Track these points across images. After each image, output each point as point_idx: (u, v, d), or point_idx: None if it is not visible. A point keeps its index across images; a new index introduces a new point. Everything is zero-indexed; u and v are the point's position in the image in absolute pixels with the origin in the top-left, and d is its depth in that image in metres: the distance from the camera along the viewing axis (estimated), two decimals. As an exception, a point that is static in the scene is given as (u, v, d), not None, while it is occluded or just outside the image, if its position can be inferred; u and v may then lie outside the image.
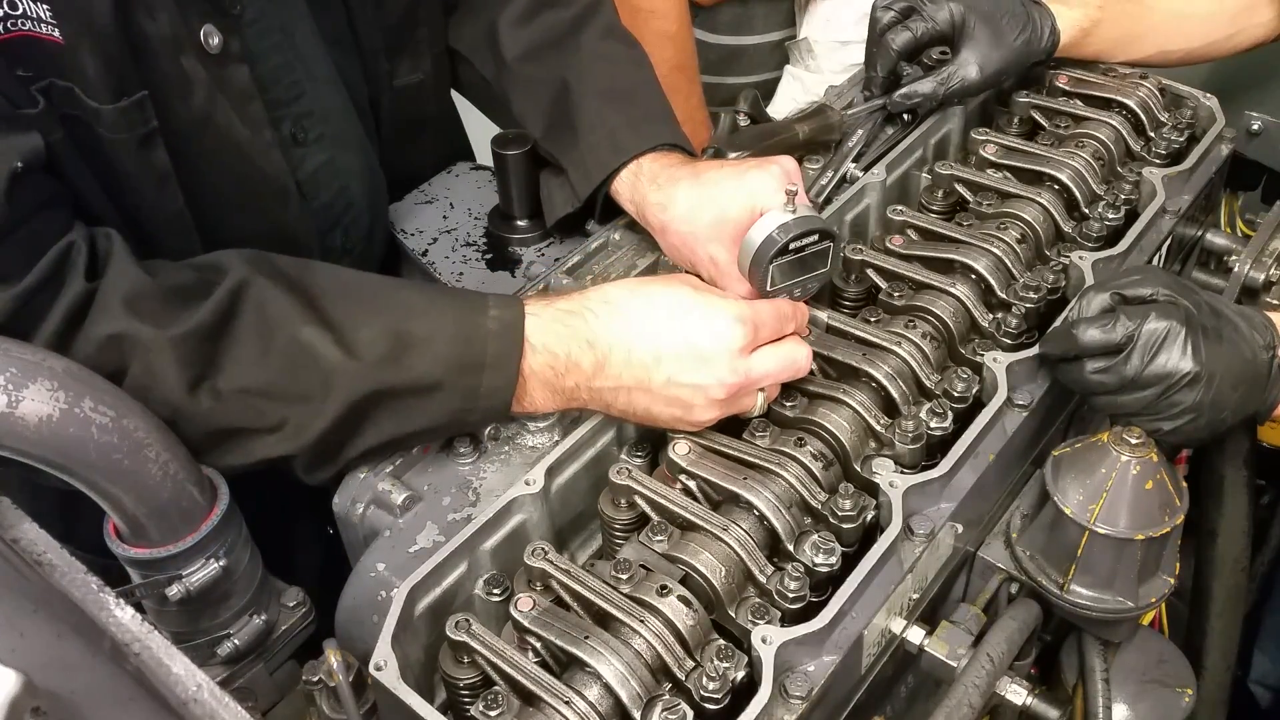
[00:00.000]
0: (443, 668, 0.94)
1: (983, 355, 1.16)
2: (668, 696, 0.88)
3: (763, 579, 0.97)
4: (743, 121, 1.56)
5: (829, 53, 2.28)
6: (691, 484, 1.05)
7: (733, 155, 1.40)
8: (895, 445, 1.08)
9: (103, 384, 0.93)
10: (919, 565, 1.01)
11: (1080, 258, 1.27)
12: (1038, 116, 1.54)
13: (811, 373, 1.16)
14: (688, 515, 1.00)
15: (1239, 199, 1.68)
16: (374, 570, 1.01)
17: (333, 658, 0.91)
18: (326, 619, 1.06)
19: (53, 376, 0.88)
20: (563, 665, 0.93)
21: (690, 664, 0.91)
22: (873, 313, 1.22)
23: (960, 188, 1.41)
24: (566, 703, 0.86)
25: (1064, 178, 1.39)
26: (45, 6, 0.96)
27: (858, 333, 1.17)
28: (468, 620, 0.92)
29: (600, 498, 1.05)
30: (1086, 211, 1.37)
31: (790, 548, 1.00)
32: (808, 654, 0.93)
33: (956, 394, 1.13)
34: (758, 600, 0.97)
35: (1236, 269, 1.44)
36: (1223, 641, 1.49)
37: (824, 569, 0.98)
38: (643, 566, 0.96)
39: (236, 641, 1.02)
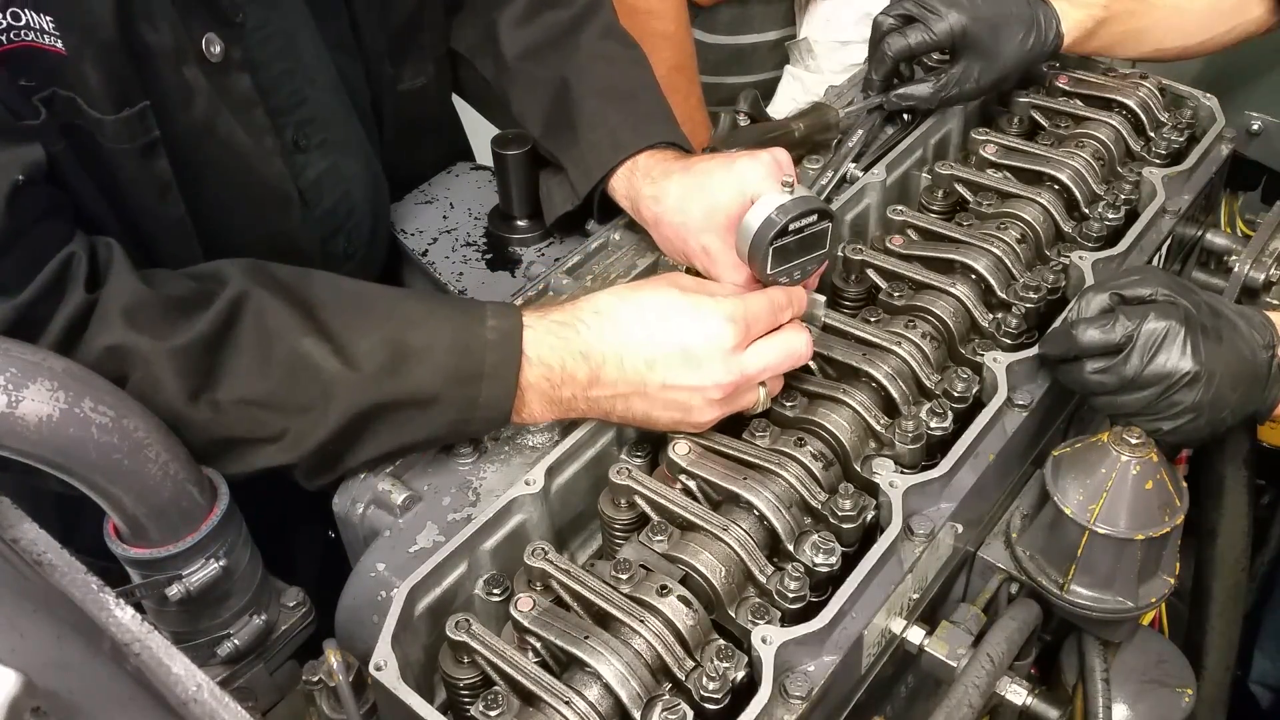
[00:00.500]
0: (443, 668, 0.94)
1: (983, 355, 1.16)
2: (668, 696, 0.88)
3: (763, 579, 0.97)
4: (742, 121, 1.55)
5: (829, 53, 2.28)
6: (691, 484, 1.05)
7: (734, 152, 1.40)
8: (895, 445, 1.08)
9: (103, 384, 0.93)
10: (919, 565, 1.01)
11: (1080, 258, 1.27)
12: (1038, 116, 1.54)
13: (811, 373, 1.16)
14: (688, 515, 1.00)
15: (1239, 199, 1.68)
16: (374, 570, 1.01)
17: (333, 658, 0.91)
18: (326, 619, 1.06)
19: (53, 376, 0.88)
20: (563, 665, 0.93)
21: (690, 664, 0.91)
22: (873, 313, 1.22)
23: (960, 188, 1.41)
24: (566, 703, 0.86)
25: (1064, 178, 1.39)
26: (48, 18, 0.96)
27: (858, 333, 1.17)
28: (468, 620, 0.92)
29: (600, 498, 1.05)
30: (1086, 211, 1.37)
31: (790, 548, 1.00)
32: (808, 654, 0.93)
33: (956, 394, 1.13)
34: (758, 600, 0.97)
35: (1236, 269, 1.44)
36: (1223, 641, 1.49)
37: (824, 569, 0.98)
38: (643, 566, 0.96)
39: (236, 641, 1.02)
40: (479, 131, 1.63)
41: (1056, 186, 1.39)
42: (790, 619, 0.96)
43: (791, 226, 1.06)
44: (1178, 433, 1.09)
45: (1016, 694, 1.06)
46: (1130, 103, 1.51)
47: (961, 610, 1.08)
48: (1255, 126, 1.60)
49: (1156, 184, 1.39)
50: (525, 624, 0.92)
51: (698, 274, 1.23)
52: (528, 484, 1.02)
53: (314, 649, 0.97)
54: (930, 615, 1.09)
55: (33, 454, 0.88)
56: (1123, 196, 1.38)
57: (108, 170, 1.07)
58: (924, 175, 1.50)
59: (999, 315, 1.22)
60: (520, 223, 1.49)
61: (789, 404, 1.11)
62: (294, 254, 1.14)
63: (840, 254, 1.28)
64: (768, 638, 0.89)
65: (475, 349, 1.03)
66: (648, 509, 1.02)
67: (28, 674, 0.57)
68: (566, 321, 1.06)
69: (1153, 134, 1.51)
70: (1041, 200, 1.35)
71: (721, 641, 0.93)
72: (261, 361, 1.01)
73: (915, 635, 1.04)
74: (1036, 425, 1.17)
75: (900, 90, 1.47)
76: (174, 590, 0.97)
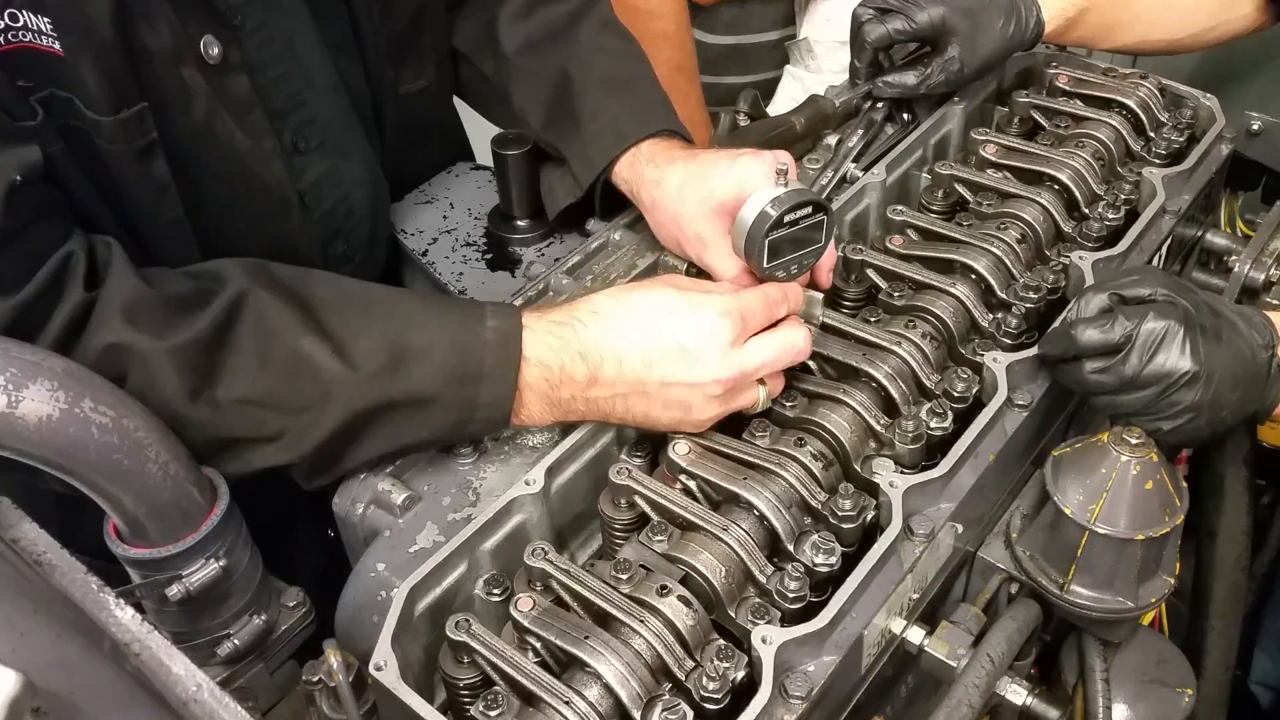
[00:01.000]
0: (443, 668, 0.94)
1: (983, 355, 1.16)
2: (668, 696, 0.88)
3: (763, 579, 0.97)
4: (742, 121, 1.56)
5: (829, 53, 2.28)
6: (691, 484, 1.05)
7: None
8: (895, 445, 1.08)
9: (102, 384, 0.93)
10: (919, 565, 1.01)
11: (1080, 258, 1.27)
12: (1038, 116, 1.54)
13: (811, 372, 1.16)
14: (688, 515, 1.00)
15: (1239, 199, 1.68)
16: (374, 570, 1.01)
17: (333, 658, 0.91)
18: (326, 619, 1.06)
19: (52, 377, 0.88)
20: (563, 665, 0.93)
21: (690, 664, 0.91)
22: (873, 313, 1.22)
23: (960, 188, 1.41)
24: (566, 703, 0.86)
25: (1064, 178, 1.39)
26: (46, 19, 0.96)
27: (857, 333, 1.17)
28: (468, 620, 0.92)
29: (600, 498, 1.05)
30: (1086, 211, 1.37)
31: (790, 548, 1.00)
32: (808, 654, 0.93)
33: (956, 394, 1.13)
34: (758, 600, 0.97)
35: (1236, 269, 1.44)
36: (1223, 641, 1.49)
37: (824, 569, 0.98)
38: (643, 566, 0.96)
39: (236, 641, 1.02)
40: (480, 133, 1.63)
41: (1056, 186, 1.39)
42: (790, 619, 0.96)
43: (786, 219, 1.06)
44: (1178, 433, 1.09)
45: (1016, 694, 1.06)
46: (1130, 103, 1.51)
47: (961, 610, 1.08)
48: (1255, 126, 1.60)
49: (1156, 184, 1.39)
50: (525, 624, 0.92)
51: (695, 272, 1.24)
52: (528, 484, 1.02)
53: (314, 649, 0.97)
54: (930, 615, 1.09)
55: (33, 454, 0.88)
56: (1123, 196, 1.38)
57: (105, 171, 1.07)
58: (924, 175, 1.50)
59: (999, 315, 1.22)
60: (520, 223, 1.49)
61: (789, 404, 1.11)
62: (293, 256, 1.14)
63: (840, 254, 1.28)
64: (768, 638, 0.89)
65: (475, 350, 1.03)
66: (648, 509, 1.02)
67: (28, 674, 0.57)
68: (564, 322, 1.06)
69: (1153, 134, 1.51)
70: (1041, 200, 1.35)
71: (721, 641, 0.93)
72: (261, 361, 1.01)
73: (915, 635, 1.04)
74: (1036, 425, 1.17)
75: (887, 77, 1.48)
76: (174, 590, 0.97)
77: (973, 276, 1.25)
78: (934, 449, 1.10)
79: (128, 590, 0.96)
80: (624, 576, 0.94)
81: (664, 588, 0.93)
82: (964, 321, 1.22)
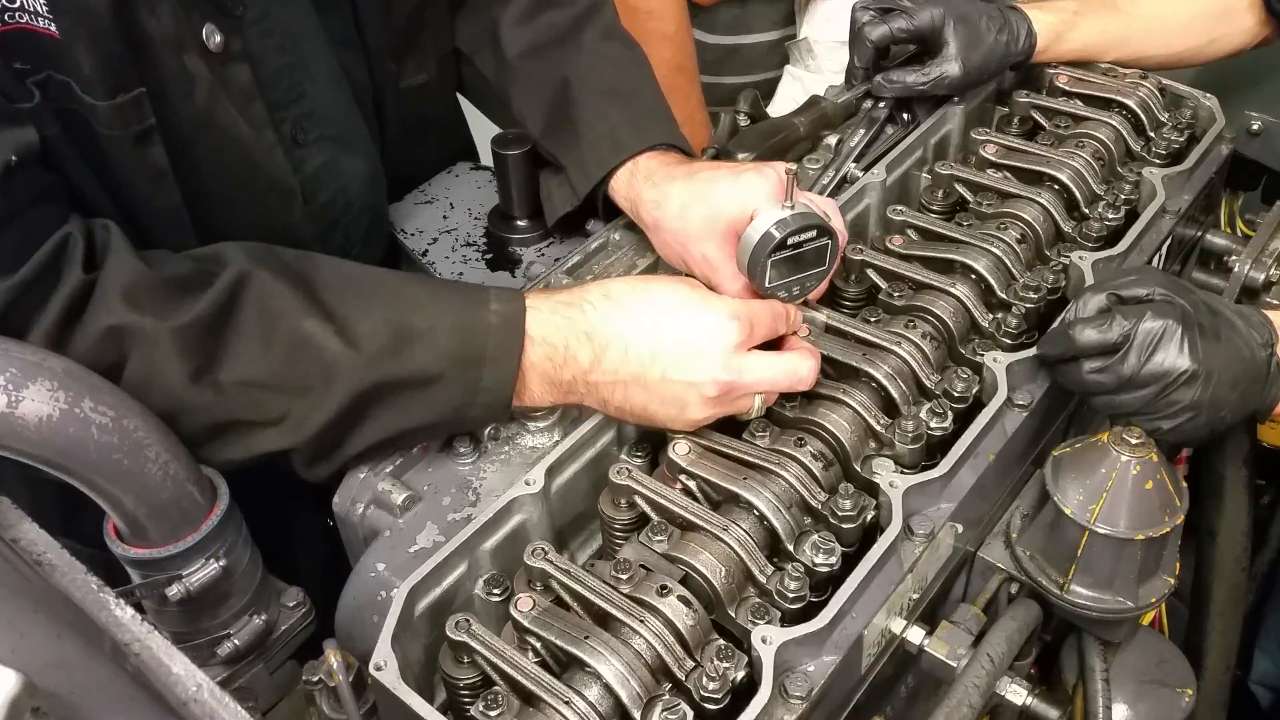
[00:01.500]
0: (443, 668, 0.94)
1: (983, 355, 1.16)
2: (668, 696, 0.88)
3: (763, 579, 0.97)
4: (743, 121, 1.56)
5: (829, 53, 2.28)
6: (691, 484, 1.04)
7: (741, 156, 1.40)
8: (895, 445, 1.08)
9: (102, 384, 0.93)
10: (919, 565, 1.01)
11: (1080, 258, 1.27)
12: (1038, 116, 1.54)
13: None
14: (688, 515, 1.00)
15: (1239, 199, 1.68)
16: (374, 570, 1.01)
17: (333, 658, 0.91)
18: (329, 614, 1.06)
19: (52, 376, 0.88)
20: (563, 665, 0.93)
21: (690, 664, 0.91)
22: (873, 313, 1.22)
23: (960, 188, 1.41)
24: (566, 703, 0.86)
25: (1064, 178, 1.39)
26: (42, 1, 0.96)
27: (858, 333, 1.17)
28: (468, 620, 0.92)
29: (600, 498, 1.05)
30: (1086, 211, 1.37)
31: (790, 548, 1.00)
32: (808, 654, 0.93)
33: (956, 394, 1.13)
34: (758, 600, 0.97)
35: (1236, 269, 1.44)
36: (1223, 641, 1.49)
37: (824, 569, 0.98)
38: (643, 566, 0.96)
39: (236, 641, 1.02)
40: (483, 133, 1.63)
41: (1056, 186, 1.39)
42: (790, 619, 0.96)
43: (790, 241, 1.06)
44: (1177, 432, 1.09)
45: (1016, 694, 1.06)
46: (1130, 103, 1.51)
47: (961, 610, 1.08)
48: (1255, 126, 1.60)
49: (1156, 184, 1.39)
50: (525, 624, 0.92)
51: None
52: (528, 484, 1.02)
53: (314, 649, 0.97)
54: (930, 615, 1.09)
55: (33, 454, 0.88)
56: (1123, 196, 1.38)
57: (102, 156, 1.07)
58: (924, 175, 1.50)
59: (999, 315, 1.22)
60: (520, 223, 1.49)
61: (789, 404, 1.11)
62: (292, 247, 1.13)
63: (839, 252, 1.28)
64: (768, 638, 0.89)
65: (478, 332, 1.03)
66: (648, 509, 1.02)
67: (28, 674, 0.57)
68: (572, 303, 1.06)
69: (1153, 134, 1.51)
70: (1041, 200, 1.35)
71: (721, 641, 0.93)
72: (263, 342, 1.01)
73: (915, 635, 1.04)
74: (1036, 425, 1.17)
75: (887, 75, 1.48)
76: (174, 590, 0.97)
77: (973, 276, 1.25)
78: (934, 449, 1.10)
79: (128, 590, 0.96)
80: (624, 576, 0.94)
81: (664, 588, 0.93)
82: (964, 321, 1.22)
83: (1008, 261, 1.26)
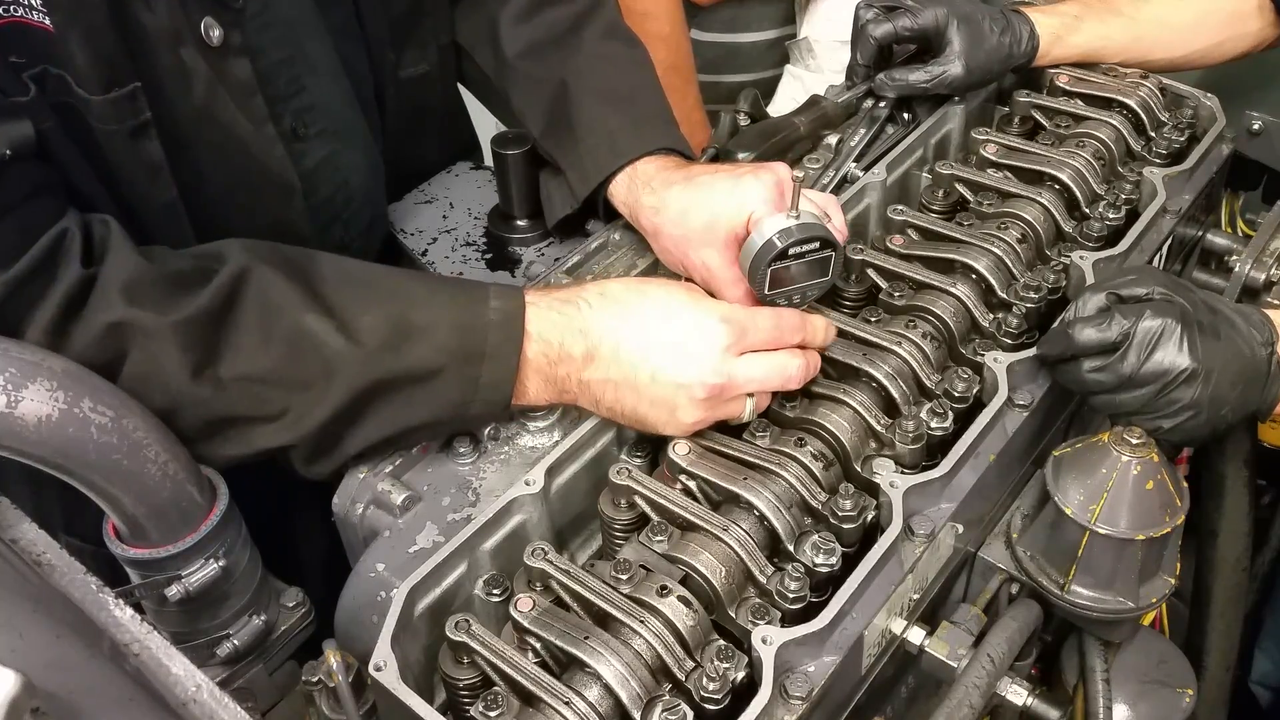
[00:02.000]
0: (442, 668, 0.94)
1: (983, 355, 1.16)
2: (668, 697, 0.88)
3: (763, 579, 0.97)
4: (743, 121, 1.56)
5: (829, 52, 2.29)
6: (691, 484, 1.04)
7: (742, 156, 1.40)
8: (896, 445, 1.08)
9: (102, 384, 0.93)
10: (919, 565, 1.01)
11: (1081, 258, 1.27)
12: (1038, 116, 1.54)
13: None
14: (688, 515, 1.00)
15: (1239, 199, 1.68)
16: (374, 570, 1.01)
17: (332, 658, 0.91)
18: (328, 617, 1.06)
19: (52, 376, 0.88)
20: (563, 666, 0.93)
21: (690, 664, 0.91)
22: (873, 313, 1.22)
23: (961, 187, 1.41)
24: (566, 703, 0.86)
25: (1064, 177, 1.39)
26: None
27: (858, 333, 1.17)
28: (467, 621, 0.92)
29: (600, 498, 1.05)
30: (1087, 211, 1.37)
31: (790, 548, 1.00)
32: (808, 654, 0.93)
33: (957, 394, 1.13)
34: (758, 600, 0.97)
35: (1237, 269, 1.44)
36: (1223, 642, 1.49)
37: (824, 569, 0.98)
38: (643, 567, 0.96)
39: (236, 642, 1.02)
40: (487, 132, 1.62)
41: (1057, 186, 1.39)
42: (790, 619, 0.96)
43: (792, 251, 1.06)
44: (1178, 431, 1.09)
45: (1017, 694, 1.06)
46: (1131, 102, 1.51)
47: (962, 611, 1.08)
48: (1256, 126, 1.60)
49: (1157, 184, 1.39)
50: (525, 624, 0.92)
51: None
52: (528, 484, 1.01)
53: (314, 649, 0.97)
54: (931, 615, 1.09)
55: (32, 454, 0.88)
56: (1123, 196, 1.38)
57: (98, 150, 1.06)
58: (924, 175, 1.50)
59: (999, 315, 1.22)
60: (520, 223, 1.49)
61: (789, 404, 1.10)
62: (291, 242, 1.13)
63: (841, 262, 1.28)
64: (768, 638, 0.89)
65: (478, 329, 1.02)
66: (648, 509, 1.02)
67: (28, 674, 0.57)
68: (569, 299, 1.06)
69: (1153, 134, 1.51)
70: (1042, 200, 1.35)
71: (722, 642, 0.93)
72: (264, 337, 1.01)
73: (916, 636, 1.04)
74: (1037, 425, 1.17)
75: (889, 74, 1.48)
76: (173, 590, 0.97)
77: (973, 276, 1.25)
78: (934, 449, 1.10)
79: (127, 590, 0.96)
80: (624, 577, 0.94)
81: (664, 588, 0.93)
82: (964, 321, 1.22)
83: (1008, 261, 1.26)
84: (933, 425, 1.10)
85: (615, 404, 1.05)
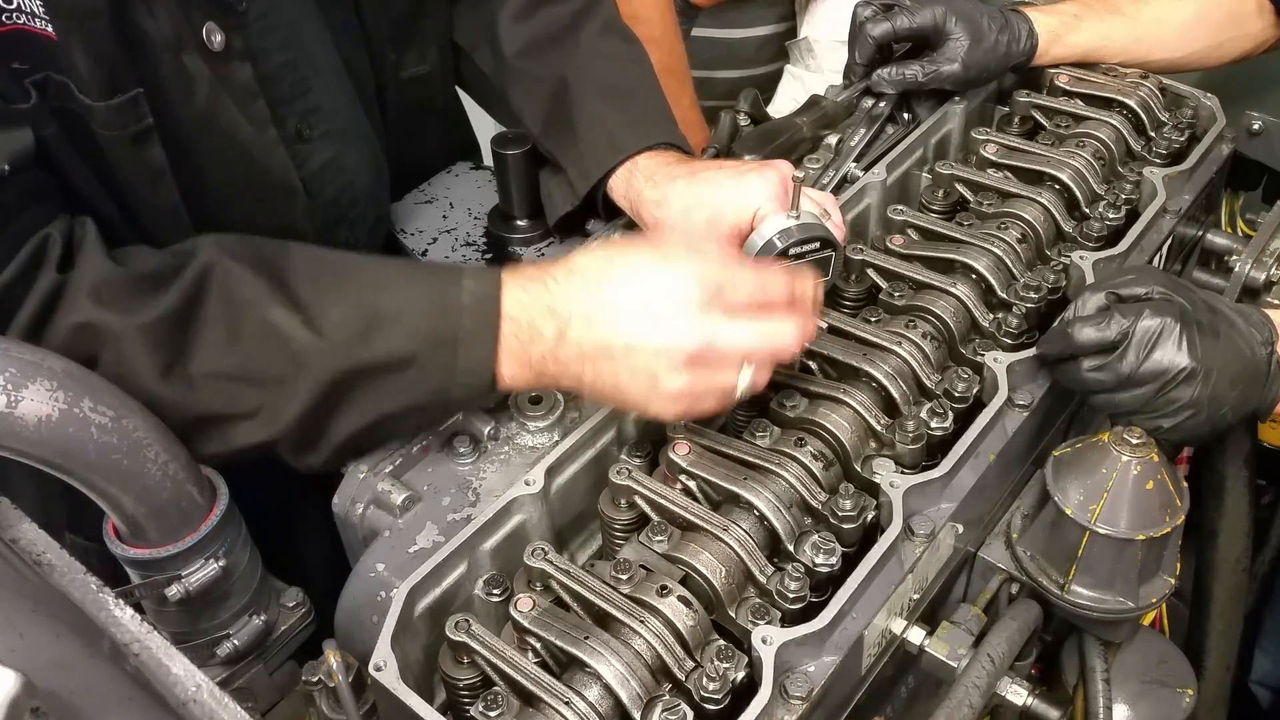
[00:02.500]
0: (442, 668, 0.94)
1: (983, 355, 1.16)
2: (668, 697, 0.88)
3: (763, 579, 0.97)
4: (743, 121, 1.56)
5: (830, 52, 2.29)
6: (691, 484, 1.04)
7: (746, 159, 1.40)
8: (896, 445, 1.08)
9: (102, 384, 0.93)
10: (919, 565, 1.01)
11: (1081, 257, 1.27)
12: (1038, 116, 1.54)
13: (811, 372, 1.16)
14: (688, 515, 1.00)
15: (1239, 199, 1.68)
16: (374, 570, 1.01)
17: (332, 658, 0.91)
18: (328, 617, 1.06)
19: (52, 376, 0.88)
20: (563, 666, 0.93)
21: (690, 664, 0.91)
22: (873, 313, 1.22)
23: (961, 187, 1.41)
24: (566, 703, 0.86)
25: (1064, 177, 1.39)
26: (38, 1, 0.96)
27: (858, 333, 1.17)
28: (467, 621, 0.92)
29: (600, 498, 1.05)
30: (1087, 211, 1.37)
31: (790, 548, 1.00)
32: (808, 654, 0.93)
33: (957, 394, 1.13)
34: (758, 600, 0.97)
35: (1237, 269, 1.44)
36: (1223, 642, 1.49)
37: (824, 569, 0.98)
38: (643, 567, 0.96)
39: (236, 642, 1.02)
40: (484, 129, 1.62)
41: (1057, 186, 1.39)
42: (790, 619, 0.96)
43: (792, 251, 1.07)
44: (1178, 430, 1.09)
45: (1017, 694, 1.06)
46: (1131, 102, 1.51)
47: (962, 610, 1.08)
48: (1256, 126, 1.60)
49: (1157, 184, 1.39)
50: (525, 624, 0.92)
51: None
52: (528, 484, 1.01)
53: (314, 649, 0.97)
54: (931, 615, 1.09)
55: (32, 454, 0.88)
56: (1123, 196, 1.38)
57: (100, 156, 1.07)
58: (924, 175, 1.50)
59: (999, 315, 1.22)
60: (520, 223, 1.48)
61: (789, 404, 1.10)
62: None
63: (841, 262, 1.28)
64: (768, 638, 0.89)
65: (450, 312, 0.99)
66: (648, 509, 1.02)
67: (28, 674, 0.57)
68: (537, 278, 1.02)
69: (1153, 134, 1.51)
70: (1042, 200, 1.35)
71: (722, 642, 0.93)
72: (231, 334, 1.00)
73: (916, 635, 1.04)
74: (1037, 425, 1.17)
75: (887, 71, 1.48)
76: (173, 590, 0.97)
77: (973, 276, 1.25)
78: (934, 449, 1.10)
79: (127, 590, 0.96)
80: (624, 577, 0.94)
81: (664, 588, 0.93)
82: (964, 321, 1.22)
83: (1008, 261, 1.26)
84: (933, 425, 1.10)
85: (595, 379, 1.00)
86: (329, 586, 1.07)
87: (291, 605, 1.08)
